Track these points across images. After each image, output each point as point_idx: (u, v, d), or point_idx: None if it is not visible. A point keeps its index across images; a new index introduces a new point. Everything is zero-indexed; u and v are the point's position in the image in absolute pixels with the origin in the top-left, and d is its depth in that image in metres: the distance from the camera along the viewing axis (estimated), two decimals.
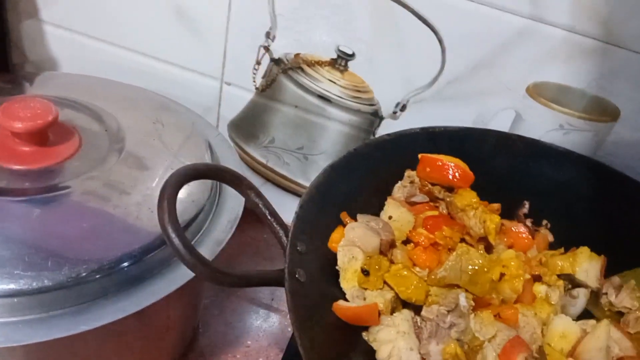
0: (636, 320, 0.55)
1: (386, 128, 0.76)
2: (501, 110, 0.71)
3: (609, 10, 0.62)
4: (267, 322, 0.75)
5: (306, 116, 0.79)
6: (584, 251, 0.60)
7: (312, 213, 0.53)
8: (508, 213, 0.66)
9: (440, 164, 0.59)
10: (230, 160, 0.68)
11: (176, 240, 0.40)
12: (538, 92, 0.69)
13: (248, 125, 0.83)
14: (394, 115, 0.76)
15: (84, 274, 0.48)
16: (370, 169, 0.62)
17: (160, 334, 0.59)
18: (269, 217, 0.49)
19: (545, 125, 0.70)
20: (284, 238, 0.49)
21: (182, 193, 0.55)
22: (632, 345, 0.53)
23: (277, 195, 0.87)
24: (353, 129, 0.78)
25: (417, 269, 0.53)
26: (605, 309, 0.59)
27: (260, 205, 0.49)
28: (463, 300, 0.48)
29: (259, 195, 0.49)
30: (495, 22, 0.65)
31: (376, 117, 0.77)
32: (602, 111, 0.68)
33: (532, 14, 0.64)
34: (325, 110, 0.77)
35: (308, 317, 0.45)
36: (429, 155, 0.62)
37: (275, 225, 0.49)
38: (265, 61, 0.77)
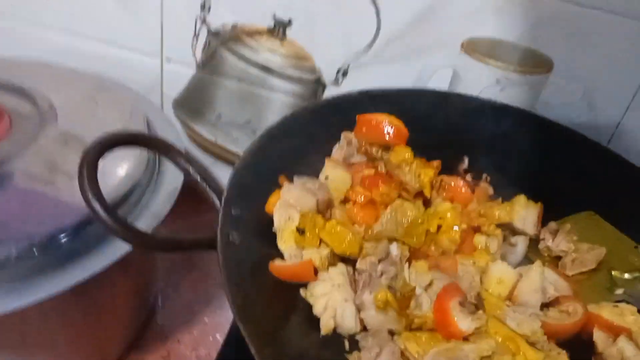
0: (572, 262, 0.56)
1: (330, 96, 0.76)
2: (439, 69, 0.72)
3: None
4: (223, 299, 0.75)
5: (250, 89, 0.79)
6: (520, 199, 0.61)
7: (247, 178, 0.53)
8: (450, 169, 0.68)
9: (374, 122, 0.60)
10: (171, 135, 0.67)
11: (97, 205, 0.39)
12: (473, 48, 0.70)
13: (193, 102, 0.82)
14: (336, 81, 0.76)
15: (15, 252, 0.47)
16: (310, 133, 0.63)
17: (108, 312, 0.59)
18: (201, 182, 0.49)
19: (482, 82, 0.71)
20: (218, 202, 0.49)
21: (117, 168, 0.56)
22: (569, 286, 0.55)
23: (227, 173, 0.86)
24: (297, 99, 0.78)
25: (356, 226, 0.54)
26: (545, 254, 0.60)
27: (191, 171, 0.49)
28: (395, 249, 0.49)
29: (190, 160, 0.48)
30: None
31: (319, 84, 0.77)
32: (536, 63, 0.69)
33: None
34: (268, 81, 0.77)
35: (241, 277, 0.45)
36: (365, 115, 0.62)
37: (209, 190, 0.49)
38: (204, 34, 0.76)
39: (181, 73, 0.80)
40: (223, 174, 0.88)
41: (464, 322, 0.46)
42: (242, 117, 0.81)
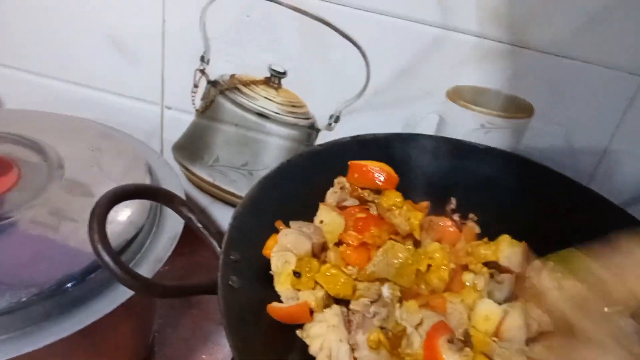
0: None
1: (323, 139, 0.80)
2: (426, 114, 0.76)
3: (511, 15, 0.68)
4: (221, 336, 0.77)
5: (247, 133, 0.82)
6: (505, 239, 0.64)
7: (246, 223, 0.56)
8: (438, 209, 0.71)
9: (365, 169, 0.63)
10: (172, 182, 0.70)
11: (106, 257, 0.42)
12: (458, 95, 0.74)
13: (192, 146, 0.86)
14: (329, 126, 0.80)
15: (25, 299, 0.50)
16: (305, 178, 0.66)
17: (110, 352, 0.61)
18: (203, 230, 0.52)
19: (467, 126, 0.75)
20: (218, 248, 0.52)
21: (121, 215, 0.59)
22: (551, 322, 0.57)
23: (226, 212, 0.90)
24: (292, 143, 0.82)
25: (350, 267, 0.57)
26: (531, 291, 0.63)
27: (193, 219, 0.52)
28: (386, 291, 0.52)
29: (192, 210, 0.51)
30: (410, 33, 0.70)
31: (313, 129, 0.80)
32: (517, 109, 0.74)
33: (443, 23, 0.69)
34: (265, 126, 0.81)
35: (241, 319, 0.47)
36: (357, 162, 0.66)
37: (209, 237, 0.52)
38: (203, 84, 0.80)
39: (181, 119, 0.84)
40: (220, 213, 0.92)
41: (450, 357, 0.48)
42: (239, 160, 0.85)
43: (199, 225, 0.51)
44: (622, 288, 0.61)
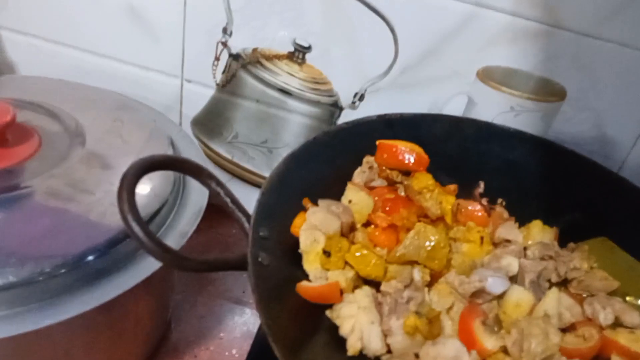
0: (578, 283, 0.57)
1: (346, 118, 0.78)
2: (454, 95, 0.74)
3: None
4: (239, 314, 0.76)
5: (268, 110, 0.80)
6: (536, 224, 0.63)
7: (273, 200, 0.55)
8: (465, 193, 0.69)
9: (395, 150, 0.61)
10: (194, 155, 0.69)
11: (136, 228, 0.41)
12: (488, 76, 0.72)
13: (211, 121, 0.84)
14: (352, 105, 0.78)
15: (47, 270, 0.48)
16: (331, 156, 0.64)
17: (130, 328, 0.60)
18: (231, 205, 0.50)
19: (496, 108, 0.73)
20: (247, 224, 0.50)
21: (145, 188, 0.57)
22: (583, 312, 0.56)
23: (244, 190, 0.88)
24: (314, 121, 0.80)
25: (378, 249, 0.55)
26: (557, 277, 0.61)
27: (221, 193, 0.50)
28: (417, 275, 0.50)
29: (220, 184, 0.50)
30: (440, 9, 0.68)
31: (336, 107, 0.78)
32: (549, 92, 0.71)
33: (475, 0, 0.67)
34: (286, 103, 0.79)
35: (271, 297, 0.46)
36: (386, 141, 0.64)
37: (238, 213, 0.50)
38: (224, 57, 0.78)
39: (200, 93, 0.82)
40: (238, 191, 0.90)
41: (489, 341, 0.47)
42: (259, 137, 0.83)
43: (227, 199, 0.49)
44: None
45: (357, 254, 0.51)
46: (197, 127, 0.85)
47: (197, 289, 0.77)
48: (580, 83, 0.70)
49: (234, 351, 0.70)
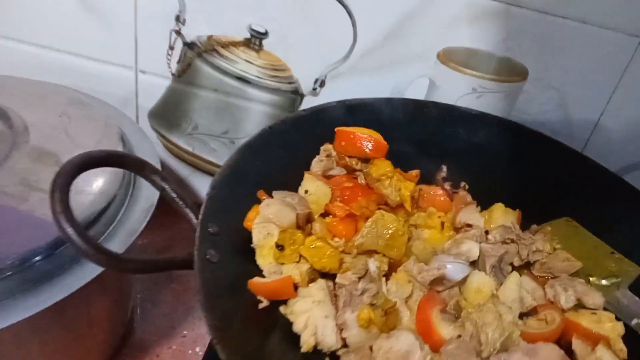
0: (541, 265, 0.56)
1: (308, 106, 0.76)
2: (416, 78, 0.72)
3: None
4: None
5: (227, 99, 0.78)
6: (498, 207, 0.62)
7: (225, 193, 0.53)
8: (428, 178, 0.68)
9: (353, 136, 0.59)
10: (147, 150, 0.66)
11: (69, 230, 0.38)
12: (449, 57, 0.70)
13: (169, 113, 0.81)
14: (314, 92, 0.76)
15: None
16: (288, 145, 0.62)
17: (86, 329, 0.58)
18: (178, 201, 0.48)
19: (458, 90, 0.72)
20: (195, 221, 0.48)
21: (91, 185, 0.55)
22: (545, 294, 0.55)
23: (206, 183, 0.85)
24: (275, 109, 0.78)
25: (336, 239, 0.54)
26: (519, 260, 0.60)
27: (167, 189, 0.48)
28: (372, 265, 0.49)
29: (165, 179, 0.48)
30: None
31: (297, 95, 0.76)
32: (511, 72, 0.70)
33: None
34: (245, 91, 0.77)
35: (219, 296, 0.44)
36: (344, 128, 0.62)
37: (185, 208, 0.48)
38: (179, 46, 0.75)
39: (156, 84, 0.79)
40: (201, 184, 0.88)
41: (446, 330, 0.46)
42: (220, 128, 0.80)
43: (174, 195, 0.47)
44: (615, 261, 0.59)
45: (312, 246, 0.49)
46: (155, 120, 0.82)
47: (160, 288, 0.75)
48: (542, 62, 0.69)
49: (197, 349, 0.68)
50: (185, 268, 0.44)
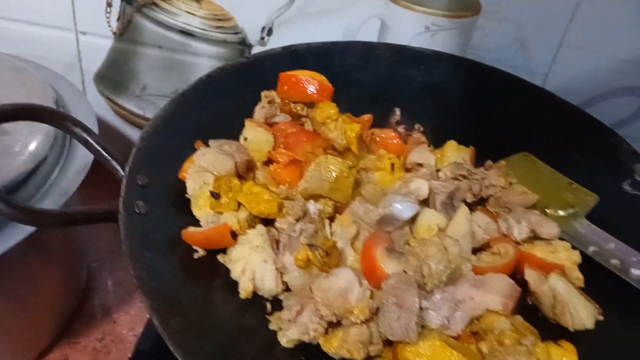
0: (496, 200, 0.54)
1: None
2: (366, 19, 0.69)
3: None
4: None
5: (173, 56, 0.75)
6: (451, 145, 0.59)
7: (158, 144, 0.50)
8: (383, 123, 0.65)
9: (294, 80, 0.57)
10: (85, 113, 0.62)
11: None
12: None
13: (115, 75, 0.78)
14: (261, 41, 0.72)
15: None
16: (230, 95, 0.59)
17: (31, 298, 0.56)
18: (103, 153, 0.46)
19: (411, 30, 0.69)
20: (122, 172, 0.46)
21: (21, 146, 0.52)
22: (499, 228, 0.53)
23: None
24: (224, 62, 0.74)
25: (282, 187, 0.51)
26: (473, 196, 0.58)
27: (90, 141, 0.45)
28: (312, 207, 0.47)
29: (87, 130, 0.45)
30: None
31: (244, 45, 0.73)
32: (463, 6, 0.67)
33: None
34: (190, 45, 0.73)
35: (147, 247, 0.42)
36: (286, 73, 0.59)
37: (111, 160, 0.46)
38: (117, 2, 0.71)
39: (99, 45, 0.75)
40: None
41: (390, 266, 0.44)
42: (169, 87, 0.77)
43: (98, 147, 0.44)
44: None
45: (248, 192, 0.47)
46: (101, 84, 0.79)
47: (116, 255, 0.73)
48: None
49: None
50: (108, 221, 0.42)
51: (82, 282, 0.66)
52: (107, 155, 0.45)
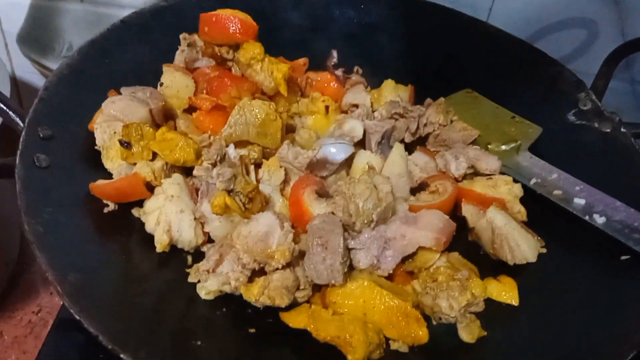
0: (435, 138, 0.52)
1: None
2: None
3: None
4: None
5: (97, 10, 0.69)
6: (388, 84, 0.57)
7: (64, 95, 0.46)
8: (321, 66, 0.62)
9: (215, 19, 0.52)
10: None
11: None
12: None
13: (38, 35, 0.72)
14: None
15: None
16: (148, 40, 0.55)
17: None
18: (1, 105, 0.42)
19: None
20: (21, 124, 0.42)
21: None
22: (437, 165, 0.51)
23: None
24: None
25: (205, 135, 0.48)
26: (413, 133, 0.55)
27: None
28: (231, 150, 0.44)
29: None
30: None
31: None
32: None
33: None
34: None
35: (47, 201, 0.39)
36: (207, 13, 0.55)
37: (9, 112, 0.42)
38: None
39: (17, 3, 0.70)
40: None
41: (317, 208, 0.41)
42: None
43: None
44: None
45: (162, 140, 0.43)
46: (25, 45, 0.74)
47: None
48: None
49: None
50: (5, 176, 0.38)
51: (14, 254, 0.63)
52: (5, 107, 0.41)
